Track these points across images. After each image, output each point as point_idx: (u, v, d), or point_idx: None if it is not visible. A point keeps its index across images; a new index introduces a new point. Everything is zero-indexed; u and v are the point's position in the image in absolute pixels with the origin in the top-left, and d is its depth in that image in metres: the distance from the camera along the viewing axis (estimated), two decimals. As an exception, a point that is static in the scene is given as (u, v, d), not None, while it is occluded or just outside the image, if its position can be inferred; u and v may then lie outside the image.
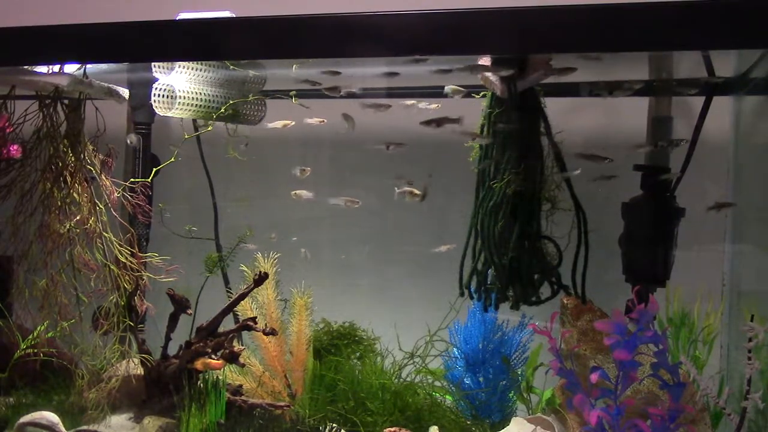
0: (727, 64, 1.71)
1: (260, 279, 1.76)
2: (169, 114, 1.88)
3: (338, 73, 1.67)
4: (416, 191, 1.69)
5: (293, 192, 1.90)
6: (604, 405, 1.47)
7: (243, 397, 1.79)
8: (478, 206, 1.69)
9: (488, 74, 1.62)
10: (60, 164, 1.78)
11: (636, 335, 1.42)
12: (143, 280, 1.81)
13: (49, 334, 1.80)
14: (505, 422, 1.75)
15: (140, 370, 1.80)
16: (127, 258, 1.78)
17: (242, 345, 1.85)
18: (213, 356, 1.72)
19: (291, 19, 1.37)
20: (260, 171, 2.17)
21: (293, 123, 1.86)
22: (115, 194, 1.82)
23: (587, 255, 1.66)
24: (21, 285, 1.79)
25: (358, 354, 1.90)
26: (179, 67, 1.84)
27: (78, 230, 1.77)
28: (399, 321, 1.91)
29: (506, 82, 1.60)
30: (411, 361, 1.87)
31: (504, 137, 1.64)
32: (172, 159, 1.90)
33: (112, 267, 1.77)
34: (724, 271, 1.89)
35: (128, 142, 2.01)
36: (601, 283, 1.73)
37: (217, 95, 2.00)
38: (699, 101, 1.72)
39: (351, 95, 1.77)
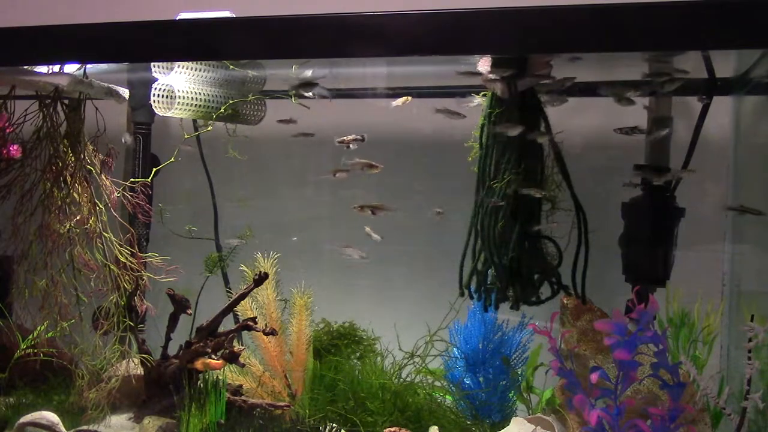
0: (727, 64, 1.71)
1: (260, 279, 1.76)
2: (169, 114, 1.88)
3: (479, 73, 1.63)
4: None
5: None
6: (604, 405, 1.47)
7: (243, 397, 1.79)
8: (478, 206, 1.69)
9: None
10: (60, 164, 1.78)
11: (636, 335, 1.42)
12: (143, 280, 1.81)
13: (49, 334, 1.80)
14: (505, 422, 1.75)
15: (140, 370, 1.80)
16: (127, 258, 1.78)
17: (242, 345, 1.85)
18: (213, 356, 1.72)
19: (291, 19, 1.37)
20: (260, 171, 2.17)
21: (410, 99, 1.78)
22: (115, 194, 1.82)
23: (587, 255, 1.66)
24: (21, 285, 1.79)
25: (358, 354, 1.90)
26: (178, 67, 1.84)
27: (78, 230, 1.77)
28: (399, 321, 1.91)
29: (506, 82, 1.61)
30: (411, 361, 1.86)
31: (504, 137, 1.64)
32: (172, 159, 1.90)
33: (112, 267, 1.77)
34: (724, 271, 1.89)
35: (123, 141, 2.01)
36: (601, 283, 1.73)
37: (216, 95, 2.00)
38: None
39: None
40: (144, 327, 1.92)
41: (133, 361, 1.81)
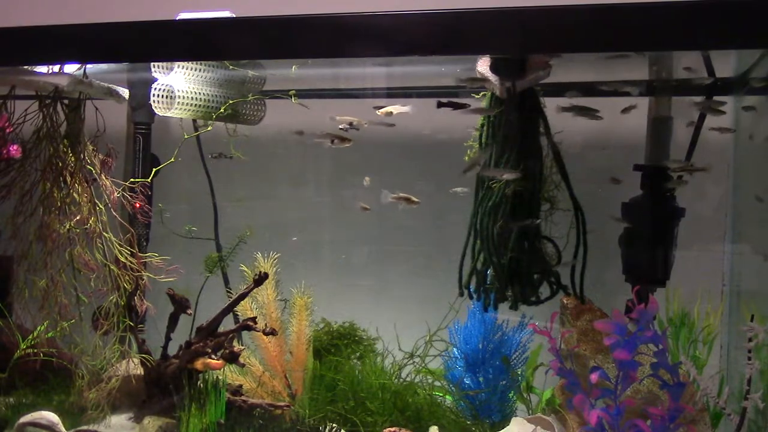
0: (726, 64, 1.71)
1: (260, 279, 1.76)
2: (168, 114, 1.88)
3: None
4: (413, 198, 1.69)
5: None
6: (604, 405, 1.47)
7: (243, 397, 1.79)
8: (477, 206, 1.69)
9: (488, 74, 1.62)
10: (60, 164, 1.78)
11: (636, 335, 1.42)
12: (143, 280, 1.81)
13: (49, 334, 1.80)
14: (505, 422, 1.75)
15: (140, 370, 1.80)
16: (127, 258, 1.78)
17: (242, 345, 1.85)
18: (213, 356, 1.72)
19: (291, 19, 1.37)
20: (260, 171, 2.18)
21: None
22: (115, 194, 1.82)
23: (586, 255, 1.66)
24: (21, 285, 1.79)
25: (358, 354, 1.90)
26: (178, 67, 1.84)
27: (78, 230, 1.77)
28: (399, 321, 1.91)
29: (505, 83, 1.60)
30: (411, 361, 1.86)
31: (503, 137, 1.64)
32: (172, 159, 1.90)
33: (112, 267, 1.77)
34: (724, 271, 1.89)
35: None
36: (600, 282, 1.73)
37: (216, 95, 2.00)
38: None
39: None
40: (144, 327, 1.92)
41: (133, 361, 1.81)
